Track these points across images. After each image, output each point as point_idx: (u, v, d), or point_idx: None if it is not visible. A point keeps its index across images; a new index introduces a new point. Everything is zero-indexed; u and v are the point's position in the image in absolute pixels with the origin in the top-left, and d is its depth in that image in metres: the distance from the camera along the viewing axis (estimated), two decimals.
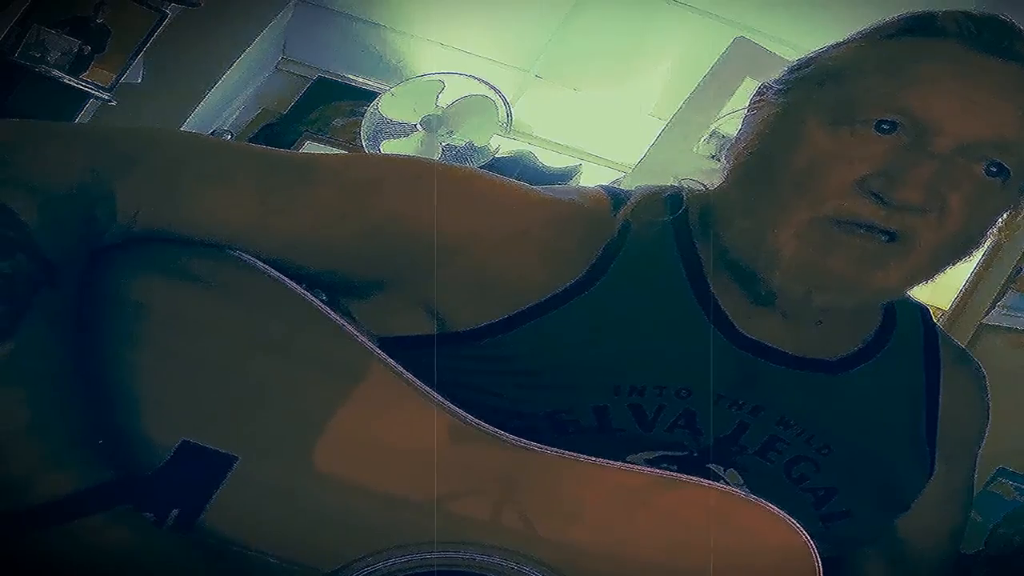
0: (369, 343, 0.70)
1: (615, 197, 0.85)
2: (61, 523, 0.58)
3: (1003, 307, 1.84)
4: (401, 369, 0.69)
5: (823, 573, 0.69)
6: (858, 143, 0.73)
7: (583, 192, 0.86)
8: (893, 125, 0.73)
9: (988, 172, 0.73)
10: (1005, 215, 0.79)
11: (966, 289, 1.92)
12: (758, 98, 0.82)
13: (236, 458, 0.66)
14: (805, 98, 0.77)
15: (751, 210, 0.77)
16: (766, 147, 0.78)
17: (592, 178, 3.13)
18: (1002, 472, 1.55)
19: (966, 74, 0.73)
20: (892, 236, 0.73)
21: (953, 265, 0.79)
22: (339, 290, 0.79)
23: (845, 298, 0.76)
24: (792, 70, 0.80)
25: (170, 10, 2.63)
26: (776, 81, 0.81)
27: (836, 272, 0.73)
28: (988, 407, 0.92)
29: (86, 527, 0.59)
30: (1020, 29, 0.76)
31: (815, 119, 0.75)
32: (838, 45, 0.79)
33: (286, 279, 0.71)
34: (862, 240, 0.73)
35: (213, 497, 0.65)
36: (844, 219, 0.73)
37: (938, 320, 1.91)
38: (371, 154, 2.50)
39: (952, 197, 0.73)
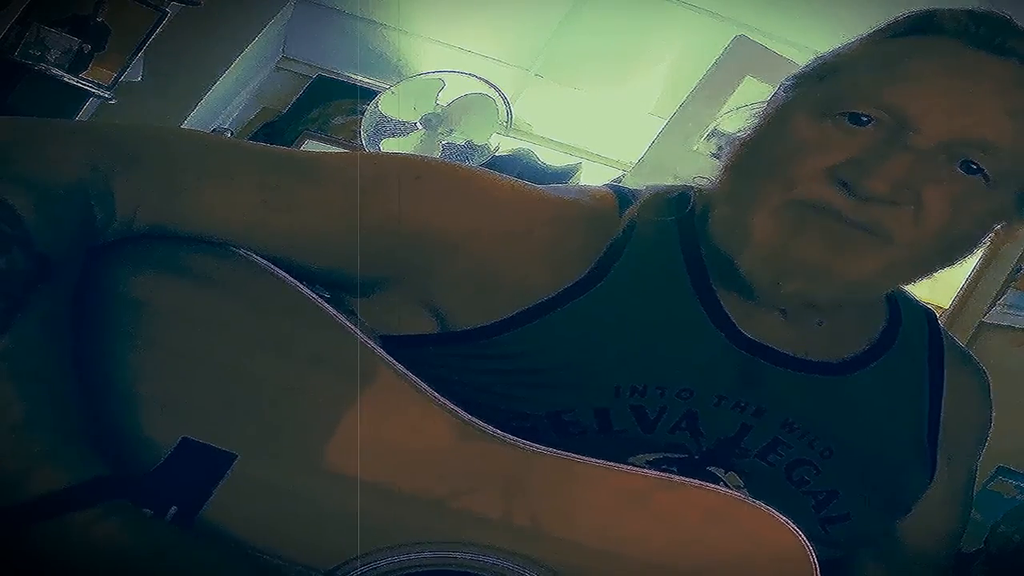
0: (371, 342, 0.70)
1: (622, 197, 0.84)
2: (54, 518, 0.58)
3: (1003, 305, 1.84)
4: (403, 368, 0.69)
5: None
6: (834, 133, 0.73)
7: (588, 191, 0.85)
8: (870, 118, 0.72)
9: (966, 169, 0.72)
10: (1000, 225, 0.78)
11: (966, 287, 1.92)
12: (771, 98, 0.82)
13: (236, 456, 0.66)
14: (802, 94, 0.77)
15: (732, 197, 0.77)
16: (756, 141, 0.79)
17: (592, 176, 3.13)
18: (1002, 470, 1.55)
19: (955, 70, 0.73)
20: (863, 228, 0.72)
21: (945, 267, 0.78)
22: (342, 288, 0.78)
23: (815, 287, 0.74)
24: (802, 69, 0.81)
25: (170, 8, 2.63)
26: (787, 79, 0.81)
27: (803, 257, 0.72)
28: (991, 411, 0.92)
29: (80, 522, 0.59)
30: (1018, 26, 0.75)
31: (803, 112, 0.75)
32: (847, 45, 0.79)
33: (288, 277, 0.71)
34: (834, 225, 0.72)
35: (212, 495, 0.65)
36: (814, 203, 0.72)
37: (938, 318, 1.91)
38: (372, 152, 2.50)
39: (928, 193, 0.72)
